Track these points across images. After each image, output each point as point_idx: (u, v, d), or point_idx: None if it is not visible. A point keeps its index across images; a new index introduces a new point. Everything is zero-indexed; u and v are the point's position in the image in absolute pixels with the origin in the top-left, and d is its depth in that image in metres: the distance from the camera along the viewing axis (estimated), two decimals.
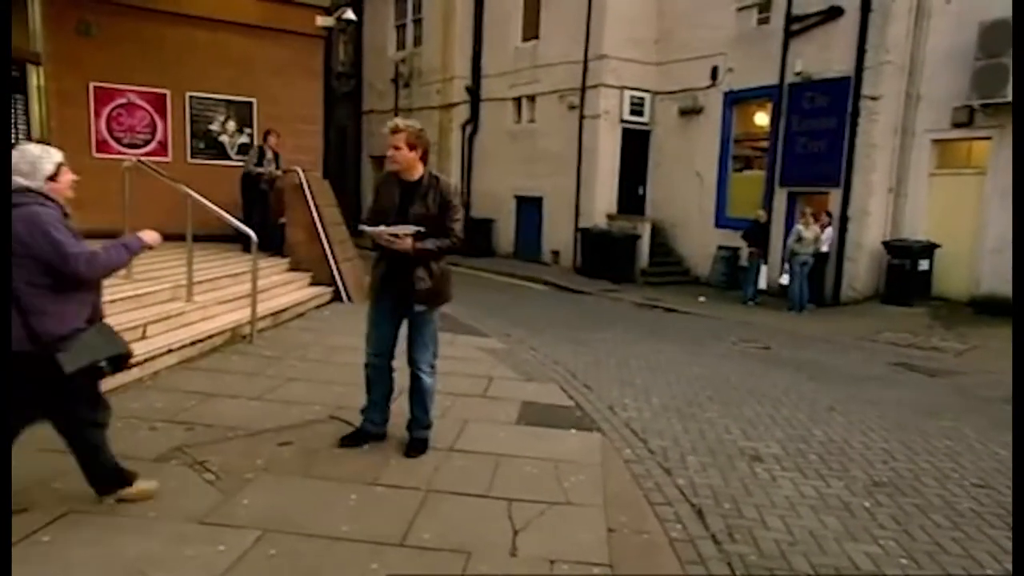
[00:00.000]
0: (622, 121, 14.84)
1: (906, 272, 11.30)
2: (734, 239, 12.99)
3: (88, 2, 9.84)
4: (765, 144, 13.23)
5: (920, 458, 4.75)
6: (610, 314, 10.70)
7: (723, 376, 6.80)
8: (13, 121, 9.16)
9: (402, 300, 3.96)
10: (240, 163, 10.35)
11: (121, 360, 3.15)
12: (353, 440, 4.19)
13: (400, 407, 4.34)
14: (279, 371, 5.71)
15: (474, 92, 17.59)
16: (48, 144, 3.18)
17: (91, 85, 10.18)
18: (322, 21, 11.77)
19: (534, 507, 3.49)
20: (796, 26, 12.26)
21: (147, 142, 10.67)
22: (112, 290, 5.48)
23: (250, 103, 11.49)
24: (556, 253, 15.97)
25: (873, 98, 11.40)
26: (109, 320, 3.28)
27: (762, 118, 13.52)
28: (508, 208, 17.13)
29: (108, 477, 3.23)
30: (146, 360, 5.18)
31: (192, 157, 11.05)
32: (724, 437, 4.97)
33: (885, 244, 11.74)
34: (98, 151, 10.12)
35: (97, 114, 10.29)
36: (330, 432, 4.32)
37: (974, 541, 3.57)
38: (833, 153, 11.87)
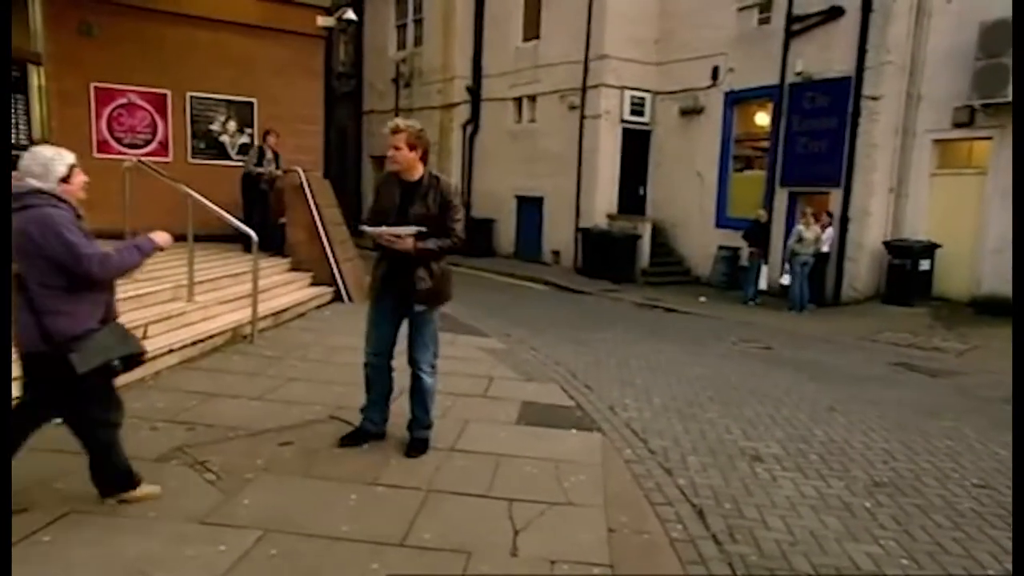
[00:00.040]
0: (623, 121, 14.83)
1: (907, 272, 11.29)
2: (735, 239, 12.99)
3: (89, 2, 9.84)
4: (766, 144, 13.23)
5: (921, 458, 4.75)
6: (611, 314, 10.70)
7: (724, 376, 6.80)
8: (14, 121, 9.17)
9: (403, 300, 3.97)
10: (240, 163, 10.35)
11: (134, 359, 3.18)
12: (353, 439, 4.20)
13: (400, 407, 4.34)
14: (280, 371, 5.71)
15: (475, 92, 17.59)
16: (48, 144, 3.18)
17: (92, 85, 10.18)
18: (323, 21, 11.77)
19: (535, 507, 3.49)
20: (797, 26, 12.25)
21: (148, 142, 10.67)
22: None
23: (251, 103, 11.49)
24: (557, 253, 15.97)
25: (874, 98, 11.39)
26: None
27: (763, 118, 13.51)
28: (509, 208, 17.13)
29: (117, 478, 3.23)
30: (147, 360, 5.17)
31: (193, 157, 11.05)
32: (725, 437, 4.97)
33: (886, 244, 11.73)
34: (99, 151, 10.12)
35: (98, 114, 10.29)
36: (331, 432, 4.33)
37: (975, 541, 3.57)
38: (834, 153, 11.86)
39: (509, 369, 6.33)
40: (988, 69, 10.32)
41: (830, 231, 11.70)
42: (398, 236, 3.74)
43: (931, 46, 11.37)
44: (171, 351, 5.56)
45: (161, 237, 3.23)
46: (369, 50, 21.04)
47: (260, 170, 9.72)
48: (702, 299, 12.29)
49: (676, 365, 7.19)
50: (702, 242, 14.25)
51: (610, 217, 14.93)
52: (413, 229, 3.75)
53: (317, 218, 9.32)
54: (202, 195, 6.99)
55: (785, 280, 11.33)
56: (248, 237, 7.01)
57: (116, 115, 10.44)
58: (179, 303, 6.50)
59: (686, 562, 3.17)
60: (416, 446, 4.12)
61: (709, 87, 13.93)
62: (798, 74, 12.24)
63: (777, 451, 4.73)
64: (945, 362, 8.17)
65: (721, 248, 13.60)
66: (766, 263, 11.92)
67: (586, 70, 14.67)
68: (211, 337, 6.18)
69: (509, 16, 16.63)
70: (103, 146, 10.22)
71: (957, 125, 11.17)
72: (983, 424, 5.58)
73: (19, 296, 2.94)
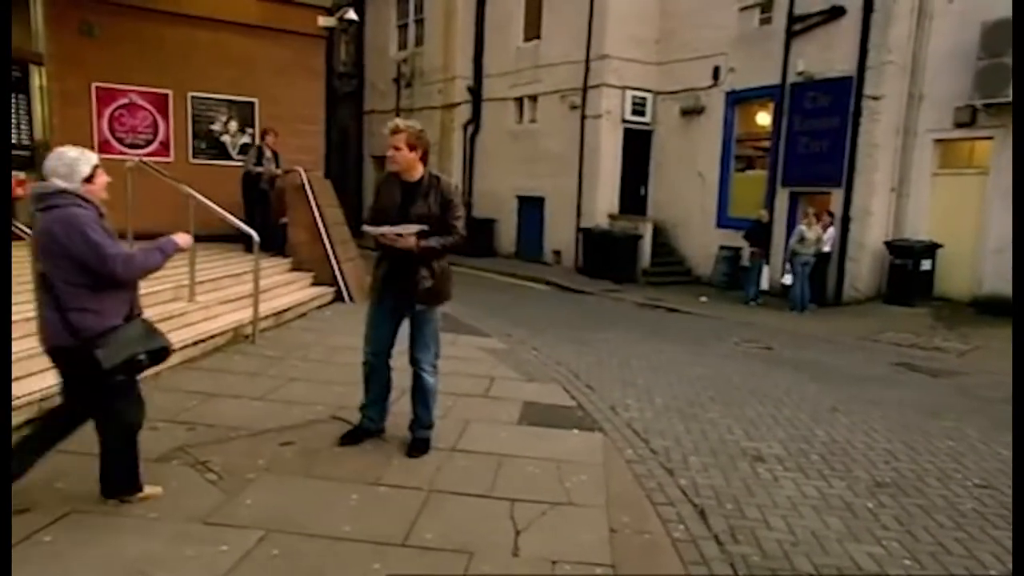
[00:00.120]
0: (624, 121, 14.83)
1: (908, 272, 11.28)
2: (736, 239, 12.98)
3: (90, 3, 9.86)
4: (767, 144, 13.22)
5: (923, 458, 4.75)
6: (612, 314, 10.70)
7: (725, 376, 6.79)
8: (16, 121, 9.19)
9: (403, 300, 3.97)
10: (241, 163, 10.36)
11: (160, 353, 3.22)
12: (352, 438, 4.21)
13: (402, 407, 4.34)
14: (281, 371, 5.71)
15: (476, 92, 17.59)
16: (59, 144, 3.20)
17: (93, 85, 10.20)
18: (324, 21, 11.78)
19: (536, 507, 3.49)
20: (798, 26, 12.25)
21: (149, 142, 10.69)
22: None
23: (252, 103, 11.50)
24: (558, 253, 15.97)
25: (875, 98, 11.38)
26: None
27: (764, 118, 13.50)
28: (510, 208, 17.13)
29: (124, 480, 3.24)
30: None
31: (194, 157, 11.07)
32: (726, 437, 4.96)
33: (887, 244, 11.72)
34: (100, 151, 10.03)
35: (99, 114, 10.31)
36: (332, 432, 4.32)
37: (977, 542, 3.56)
38: (835, 153, 11.86)
39: (510, 369, 6.33)
40: (990, 69, 10.31)
41: (831, 231, 11.69)
42: (400, 235, 3.74)
43: (932, 46, 11.36)
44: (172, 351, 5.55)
45: (182, 239, 3.31)
46: (370, 50, 21.05)
47: (259, 169, 9.72)
48: (703, 299, 12.28)
49: (677, 365, 7.19)
50: (703, 242, 14.24)
51: (611, 217, 14.92)
52: (415, 228, 3.75)
53: (318, 218, 9.32)
54: (203, 195, 7.00)
55: (787, 280, 11.32)
56: (249, 237, 7.02)
57: (117, 115, 10.45)
58: (180, 303, 6.50)
59: (688, 562, 3.17)
60: (417, 446, 4.12)
61: (710, 87, 13.92)
62: (799, 74, 12.23)
63: (779, 451, 4.72)
64: (946, 362, 8.17)
65: (722, 248, 13.59)
66: (767, 263, 11.91)
67: (587, 70, 14.67)
68: (212, 337, 6.18)
69: (510, 16, 16.63)
70: (104, 146, 10.23)
71: (958, 125, 11.16)
72: (985, 424, 5.57)
73: (44, 294, 3.00)
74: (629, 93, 14.71)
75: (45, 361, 4.51)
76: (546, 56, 15.73)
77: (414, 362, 4.11)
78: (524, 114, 16.65)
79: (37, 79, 9.45)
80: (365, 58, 21.36)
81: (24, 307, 5.00)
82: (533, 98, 16.28)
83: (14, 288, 4.62)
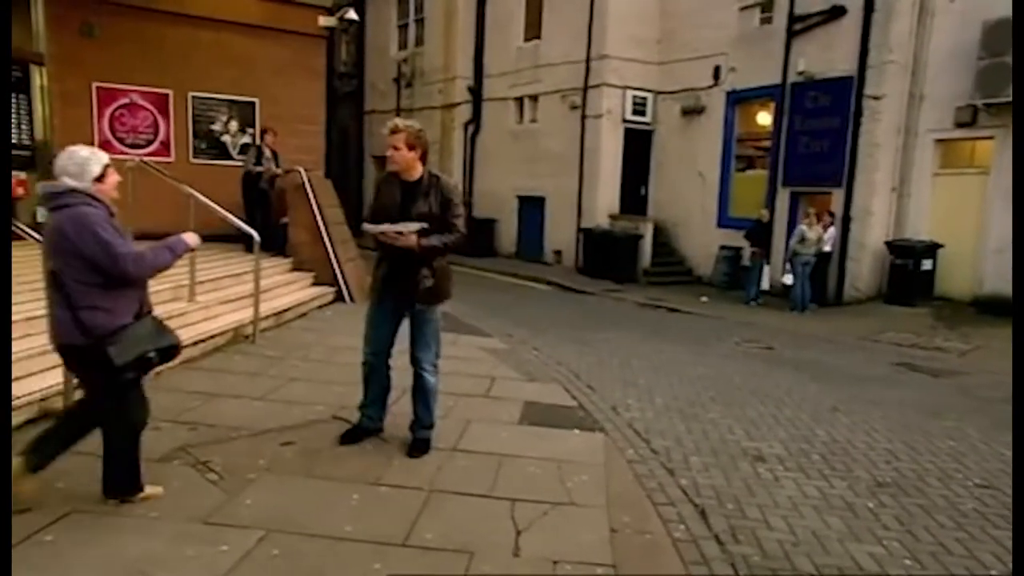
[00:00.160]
0: (624, 121, 14.82)
1: (909, 272, 11.27)
2: (736, 239, 12.98)
3: (91, 3, 9.87)
4: (767, 144, 13.21)
5: (923, 458, 4.74)
6: (613, 314, 10.70)
7: (726, 376, 6.79)
8: (17, 121, 9.19)
9: (404, 299, 3.98)
10: (242, 163, 10.37)
11: (170, 351, 3.25)
12: (352, 437, 4.21)
13: (402, 407, 4.34)
14: (281, 371, 5.71)
15: (476, 92, 17.59)
16: (79, 144, 3.23)
17: (94, 85, 10.20)
18: (324, 21, 11.78)
19: (537, 507, 3.48)
20: (799, 25, 12.24)
21: (150, 142, 10.69)
22: None
23: (252, 103, 11.51)
24: (558, 253, 15.96)
25: (876, 97, 11.37)
26: None
27: (764, 118, 13.50)
28: (510, 208, 17.13)
29: (125, 480, 3.24)
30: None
31: (194, 157, 11.08)
32: (727, 437, 4.96)
33: (888, 244, 11.72)
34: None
35: (100, 114, 10.32)
36: (332, 432, 4.32)
37: (978, 542, 3.56)
38: (836, 153, 11.85)
39: (511, 369, 6.33)
40: (991, 68, 10.31)
41: (832, 231, 11.69)
42: (401, 233, 3.74)
43: (933, 45, 11.36)
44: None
45: (191, 238, 3.34)
46: (371, 50, 21.05)
47: (259, 169, 9.72)
48: (704, 299, 12.28)
49: (678, 365, 7.18)
50: (704, 242, 14.23)
51: (612, 217, 14.92)
52: (416, 226, 3.75)
53: (319, 218, 9.32)
54: (204, 195, 7.00)
55: (788, 280, 11.31)
56: (250, 237, 7.02)
57: (118, 115, 10.46)
58: (180, 303, 6.50)
59: (688, 562, 3.17)
60: (418, 446, 4.11)
61: (711, 87, 13.92)
62: (800, 73, 12.22)
63: (779, 451, 4.72)
64: (947, 362, 8.16)
65: (723, 248, 13.58)
66: (768, 263, 11.90)
67: (587, 70, 14.66)
68: (212, 337, 6.18)
69: (510, 16, 16.63)
70: (105, 146, 10.17)
71: (959, 125, 11.15)
72: (985, 424, 5.57)
73: (55, 293, 3.02)
74: (630, 93, 14.71)
75: (45, 361, 4.55)
76: (546, 56, 15.73)
77: (415, 362, 4.11)
78: (524, 114, 16.64)
79: (38, 79, 9.45)
80: (365, 58, 21.36)
81: (24, 307, 5.01)
82: (533, 98, 16.27)
83: (14, 288, 4.62)
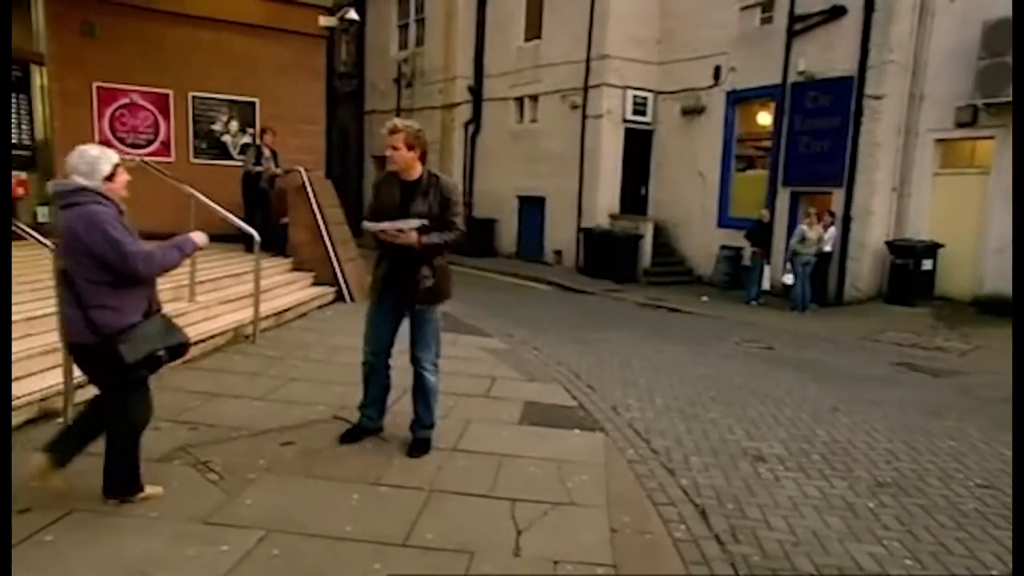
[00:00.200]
0: (624, 121, 14.82)
1: (909, 272, 11.27)
2: (737, 239, 12.98)
3: (91, 2, 9.86)
4: (768, 144, 13.21)
5: (924, 458, 4.74)
6: (613, 314, 10.69)
7: (726, 376, 6.79)
8: (17, 121, 9.19)
9: (404, 299, 3.98)
10: (242, 163, 10.36)
11: (179, 349, 3.28)
12: (352, 436, 4.22)
13: (402, 407, 4.34)
14: (282, 371, 5.71)
15: (476, 92, 17.59)
16: (93, 145, 3.24)
17: (94, 85, 10.20)
18: (324, 21, 11.78)
19: (537, 507, 3.48)
20: (799, 25, 12.24)
21: (150, 142, 10.69)
22: None
23: (252, 103, 11.50)
24: (559, 253, 15.96)
25: (876, 97, 11.37)
26: None
27: (765, 118, 13.50)
28: (510, 208, 17.13)
29: (125, 480, 3.24)
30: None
31: (195, 157, 11.07)
32: (727, 437, 4.96)
33: (888, 244, 11.71)
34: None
35: (100, 114, 10.31)
36: (333, 432, 4.32)
37: (978, 542, 3.56)
38: (836, 153, 11.85)
39: (511, 369, 6.33)
40: (991, 68, 10.30)
41: (832, 231, 11.68)
42: (401, 230, 3.74)
43: (934, 45, 11.35)
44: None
45: (200, 237, 3.37)
46: (371, 50, 21.05)
47: (259, 168, 9.72)
48: (704, 299, 12.28)
49: (678, 365, 7.18)
50: (704, 242, 14.23)
51: (612, 217, 14.92)
52: (417, 222, 3.76)
53: (319, 218, 9.32)
54: (204, 195, 7.00)
55: (788, 280, 11.31)
56: (250, 237, 7.02)
57: (118, 115, 10.45)
58: (181, 303, 6.50)
59: (689, 562, 3.17)
60: (418, 446, 4.11)
61: (711, 87, 13.92)
62: (800, 73, 12.22)
63: (780, 451, 4.72)
64: (948, 362, 8.16)
65: (723, 248, 13.58)
66: (768, 263, 11.90)
67: (588, 70, 14.66)
68: (213, 337, 6.18)
69: (511, 16, 16.63)
70: (105, 146, 10.22)
71: (960, 124, 11.15)
72: (986, 424, 5.57)
73: (65, 291, 3.06)
74: (630, 93, 14.70)
75: (45, 361, 4.55)
76: (547, 56, 15.72)
77: (415, 361, 4.11)
78: (525, 114, 16.64)
79: (38, 79, 9.45)
80: (366, 58, 21.36)
81: (24, 307, 5.02)
82: (534, 98, 16.27)
83: (14, 288, 4.63)
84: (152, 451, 3.83)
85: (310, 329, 7.50)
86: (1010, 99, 10.01)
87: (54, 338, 4.48)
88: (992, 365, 7.76)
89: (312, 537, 3.06)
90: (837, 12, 11.69)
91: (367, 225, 3.85)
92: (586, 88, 14.76)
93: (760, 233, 11.96)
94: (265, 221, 9.14)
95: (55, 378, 4.32)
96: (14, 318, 4.45)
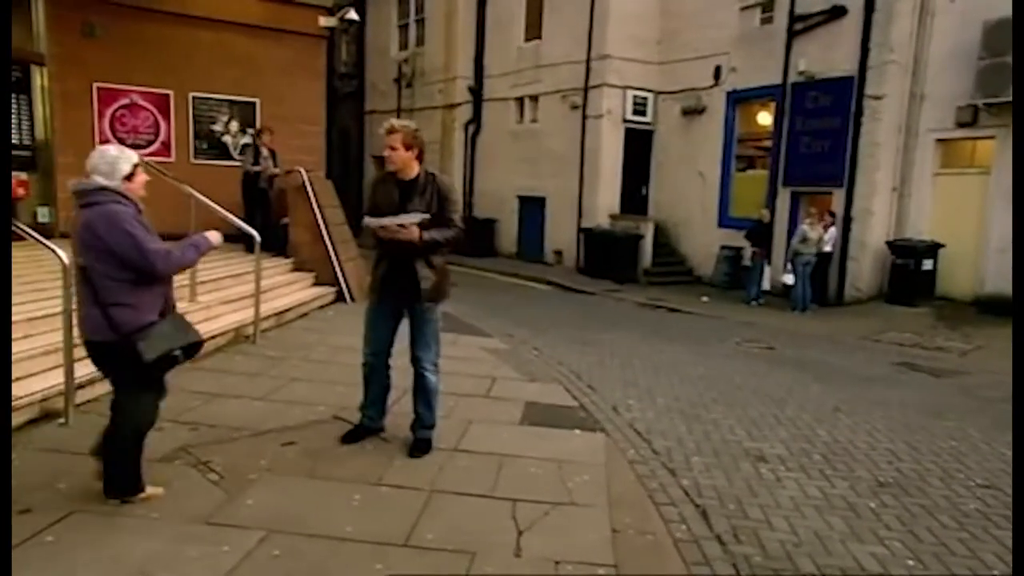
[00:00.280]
0: (625, 121, 14.82)
1: (910, 272, 11.26)
2: (737, 239, 12.97)
3: (92, 3, 9.86)
4: (768, 144, 13.21)
5: (925, 459, 4.74)
6: (613, 314, 10.69)
7: (727, 376, 6.79)
8: (17, 122, 9.19)
9: (404, 299, 3.98)
10: (242, 163, 10.36)
11: (194, 348, 3.32)
12: (353, 436, 4.22)
13: (403, 407, 4.34)
14: (282, 371, 5.71)
15: (476, 92, 17.59)
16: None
17: (95, 86, 10.20)
18: (325, 21, 11.78)
19: (538, 507, 3.48)
20: (799, 25, 12.24)
21: (150, 143, 10.68)
22: None
23: (253, 103, 11.50)
24: (559, 253, 15.96)
25: (877, 97, 11.37)
26: None
27: (765, 118, 13.49)
28: (511, 208, 17.13)
29: (126, 480, 3.24)
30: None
31: (195, 157, 11.07)
32: (728, 438, 4.96)
33: (889, 244, 11.71)
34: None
35: (101, 115, 10.31)
36: (334, 432, 4.32)
37: (980, 542, 3.56)
38: (836, 153, 11.84)
39: (512, 369, 6.33)
40: (991, 68, 10.30)
41: (833, 231, 11.68)
42: (403, 225, 3.74)
43: (934, 45, 11.35)
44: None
45: (215, 237, 3.43)
46: (371, 50, 21.05)
47: (257, 168, 9.72)
48: (704, 299, 12.27)
49: (679, 365, 7.18)
50: (704, 242, 14.23)
51: (612, 217, 14.91)
52: (418, 217, 3.78)
53: (319, 218, 9.32)
54: (204, 195, 7.00)
55: (789, 280, 11.30)
56: (250, 237, 7.02)
57: (119, 115, 10.45)
58: (182, 303, 6.41)
59: (690, 563, 3.17)
60: (419, 446, 4.11)
61: (711, 87, 13.91)
62: (801, 73, 12.21)
63: (781, 451, 4.71)
64: (948, 362, 8.15)
65: (723, 248, 13.58)
66: (769, 263, 11.90)
67: (588, 70, 14.66)
68: (213, 337, 6.17)
69: (511, 16, 16.63)
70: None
71: (960, 124, 11.14)
72: (987, 424, 5.56)
73: (84, 288, 3.09)
74: (630, 93, 14.70)
75: (46, 361, 4.56)
76: (547, 56, 15.72)
77: (415, 361, 4.11)
78: (525, 114, 16.64)
79: (38, 79, 9.45)
80: (366, 58, 21.36)
81: (24, 307, 5.01)
82: (534, 98, 16.27)
83: (14, 288, 4.62)
84: (153, 451, 3.82)
85: (311, 329, 7.50)
86: (1010, 99, 10.00)
87: (55, 338, 4.49)
88: (993, 365, 7.76)
89: (313, 537, 3.05)
90: (837, 12, 11.68)
91: (368, 221, 3.85)
92: (586, 88, 14.76)
93: (760, 233, 11.96)
94: (265, 221, 9.15)
95: (56, 378, 4.32)
96: (14, 318, 4.45)
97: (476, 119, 17.73)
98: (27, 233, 4.57)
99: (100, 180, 3.07)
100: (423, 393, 4.13)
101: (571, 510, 3.51)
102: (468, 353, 6.74)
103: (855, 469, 4.46)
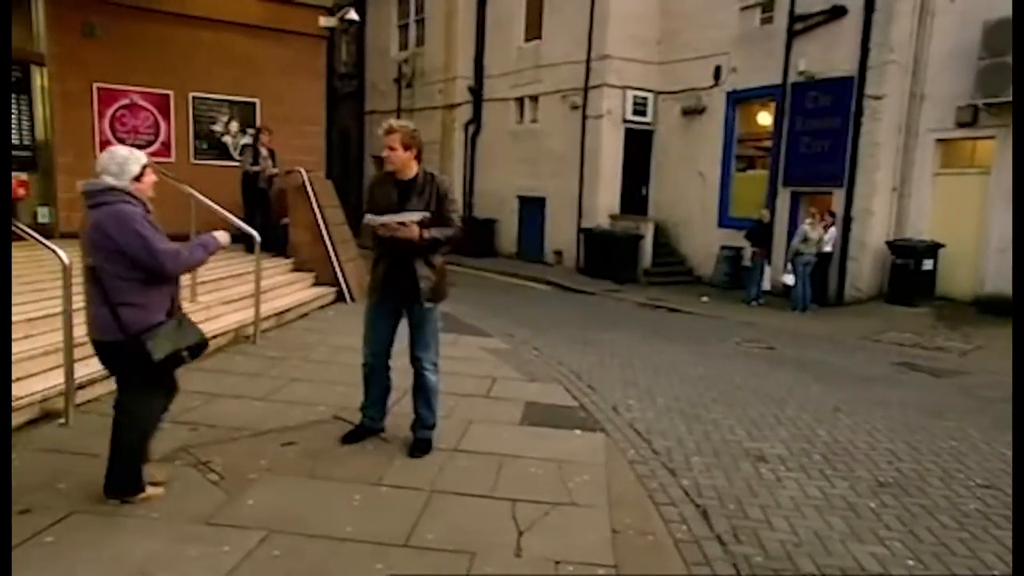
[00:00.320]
0: (625, 121, 14.82)
1: (910, 272, 11.26)
2: (737, 239, 12.97)
3: (92, 3, 9.86)
4: (768, 144, 13.21)
5: (925, 459, 4.74)
6: (613, 314, 10.69)
7: (727, 376, 6.79)
8: (17, 122, 9.19)
9: (403, 299, 3.98)
10: (240, 163, 10.35)
11: (199, 348, 3.35)
12: (353, 437, 4.23)
13: (403, 407, 4.34)
14: (283, 371, 5.71)
15: (477, 92, 17.59)
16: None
17: (95, 86, 10.19)
18: (325, 21, 11.78)
19: (538, 508, 3.48)
20: (799, 25, 12.24)
21: (150, 143, 10.67)
22: None
23: (253, 104, 11.50)
24: (559, 253, 15.96)
25: (877, 97, 11.37)
26: None
27: (765, 118, 13.49)
28: (511, 208, 17.13)
29: (127, 480, 3.24)
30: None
31: (195, 158, 11.07)
32: (728, 438, 4.96)
33: (889, 244, 11.71)
34: (101, 152, 10.12)
35: (101, 115, 10.30)
36: (334, 432, 4.32)
37: (980, 542, 3.56)
38: (836, 153, 11.84)
39: (512, 369, 6.33)
40: (991, 68, 10.30)
41: (833, 231, 11.68)
42: (403, 223, 3.75)
43: (934, 45, 11.35)
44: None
45: (223, 236, 3.47)
46: (371, 50, 21.06)
47: (256, 168, 9.72)
48: (704, 299, 12.27)
49: (679, 365, 7.18)
50: (704, 242, 14.23)
51: (612, 217, 14.91)
52: (418, 215, 3.79)
53: (320, 218, 9.32)
54: (205, 196, 7.00)
55: (789, 280, 11.30)
56: (250, 238, 7.02)
57: (119, 116, 10.45)
58: (182, 303, 6.49)
59: (690, 563, 3.17)
60: (420, 446, 4.11)
61: (711, 87, 13.91)
62: (801, 73, 12.21)
63: (781, 451, 4.71)
64: (949, 362, 8.15)
65: (723, 248, 13.57)
66: (769, 263, 11.90)
67: (588, 70, 14.66)
68: (214, 337, 6.15)
69: (511, 16, 16.63)
70: (106, 147, 10.10)
71: (960, 124, 11.14)
72: (987, 424, 5.56)
73: (93, 289, 3.11)
74: (630, 93, 14.70)
75: (46, 362, 4.55)
76: (547, 56, 15.73)
77: (415, 361, 4.12)
78: (525, 114, 16.64)
79: (38, 80, 9.45)
80: (366, 58, 21.37)
81: (24, 307, 5.01)
82: (534, 98, 16.27)
83: (14, 288, 4.62)
84: (154, 451, 3.82)
85: (311, 329, 7.50)
86: (1010, 99, 10.00)
87: (55, 338, 4.49)
88: (993, 365, 7.76)
89: (313, 537, 3.05)
90: (837, 12, 11.68)
91: (369, 218, 3.86)
92: (586, 88, 14.76)
93: (760, 233, 11.96)
94: (265, 221, 9.15)
95: (56, 379, 4.32)
96: (15, 319, 4.45)
97: (476, 119, 17.73)
98: (27, 233, 4.57)
99: (109, 180, 3.11)
100: (423, 393, 4.14)
101: (571, 510, 3.51)
102: (468, 353, 6.74)
103: (855, 469, 4.46)
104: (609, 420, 5.10)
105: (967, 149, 11.63)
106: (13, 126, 9.08)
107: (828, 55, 11.89)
